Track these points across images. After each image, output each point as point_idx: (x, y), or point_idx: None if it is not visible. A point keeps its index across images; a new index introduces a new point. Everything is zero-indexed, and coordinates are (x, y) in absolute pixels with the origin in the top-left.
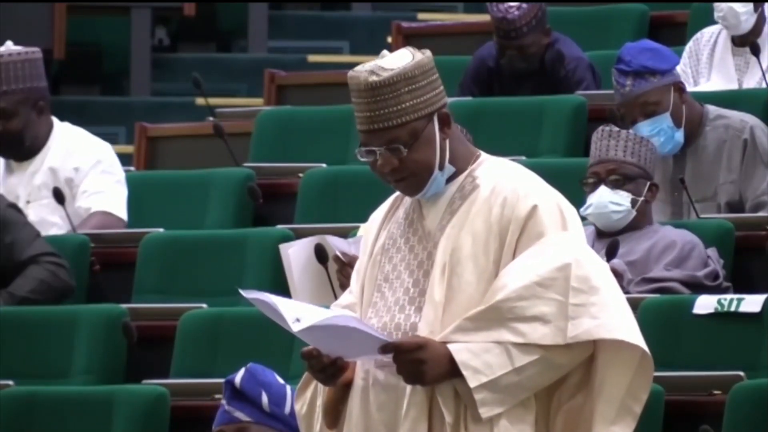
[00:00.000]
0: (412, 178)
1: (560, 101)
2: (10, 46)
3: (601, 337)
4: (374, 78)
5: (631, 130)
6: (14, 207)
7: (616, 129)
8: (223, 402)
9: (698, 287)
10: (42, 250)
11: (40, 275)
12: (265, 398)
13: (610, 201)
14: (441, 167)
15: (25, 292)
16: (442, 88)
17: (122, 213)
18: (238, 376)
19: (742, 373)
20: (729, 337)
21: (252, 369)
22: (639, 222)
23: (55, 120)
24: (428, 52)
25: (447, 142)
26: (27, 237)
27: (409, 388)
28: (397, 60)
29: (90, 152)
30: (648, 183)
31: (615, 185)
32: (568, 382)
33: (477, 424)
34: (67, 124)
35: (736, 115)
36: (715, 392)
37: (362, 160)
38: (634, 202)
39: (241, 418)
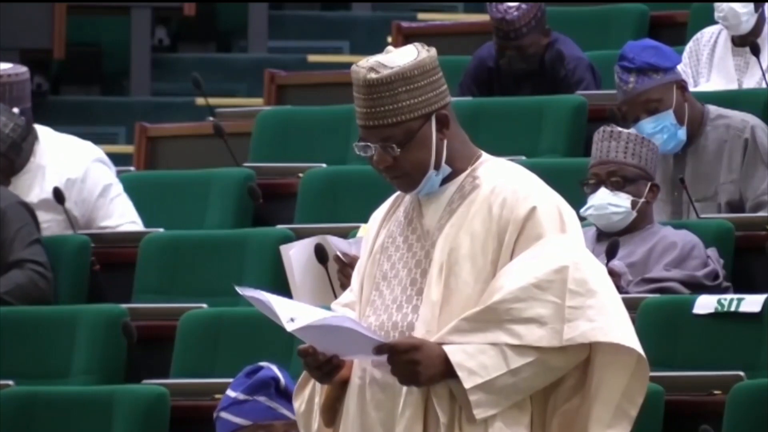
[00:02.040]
0: (406, 177)
1: (560, 101)
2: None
3: (597, 340)
4: (372, 75)
5: (632, 130)
6: (24, 205)
7: (618, 130)
8: (260, 398)
9: (698, 287)
10: (30, 257)
11: (19, 280)
12: None
13: (609, 203)
14: (437, 167)
15: (1, 292)
16: (444, 88)
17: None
18: (279, 374)
19: (742, 373)
20: (729, 337)
21: (281, 368)
22: (639, 222)
23: (39, 129)
24: (433, 51)
25: (444, 142)
26: (22, 239)
27: (405, 387)
28: (400, 57)
29: (86, 181)
30: (649, 184)
31: (615, 187)
32: (564, 385)
33: (471, 425)
34: (50, 134)
35: (737, 115)
36: (715, 392)
37: (359, 154)
38: (634, 204)
39: (291, 416)
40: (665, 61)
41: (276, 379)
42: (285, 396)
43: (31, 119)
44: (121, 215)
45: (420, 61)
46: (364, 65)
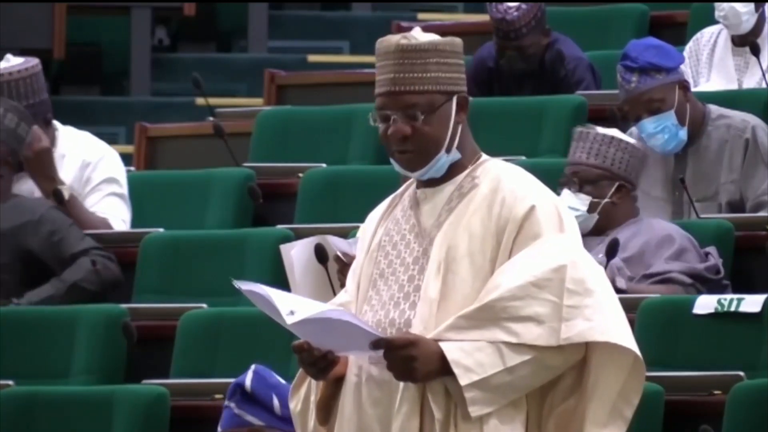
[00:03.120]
0: (418, 153)
1: (560, 101)
2: (10, 59)
3: (594, 340)
4: (406, 41)
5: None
6: (58, 209)
7: (587, 130)
8: (231, 405)
9: (700, 279)
10: (91, 245)
11: (90, 266)
12: (276, 401)
13: (568, 205)
14: (448, 150)
15: (76, 279)
16: (464, 75)
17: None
18: (248, 380)
19: (742, 373)
20: (729, 337)
21: (260, 371)
22: (607, 223)
23: (58, 125)
24: (459, 40)
25: (459, 127)
26: (76, 234)
27: (402, 383)
28: (430, 36)
29: (99, 164)
30: (616, 184)
31: (576, 188)
32: (561, 385)
33: (467, 422)
34: (70, 130)
35: (737, 115)
36: (715, 392)
37: (374, 124)
38: (594, 205)
39: (254, 422)
40: (668, 61)
41: (241, 385)
42: (252, 401)
43: (49, 109)
44: (113, 208)
45: (452, 40)
46: (394, 35)
